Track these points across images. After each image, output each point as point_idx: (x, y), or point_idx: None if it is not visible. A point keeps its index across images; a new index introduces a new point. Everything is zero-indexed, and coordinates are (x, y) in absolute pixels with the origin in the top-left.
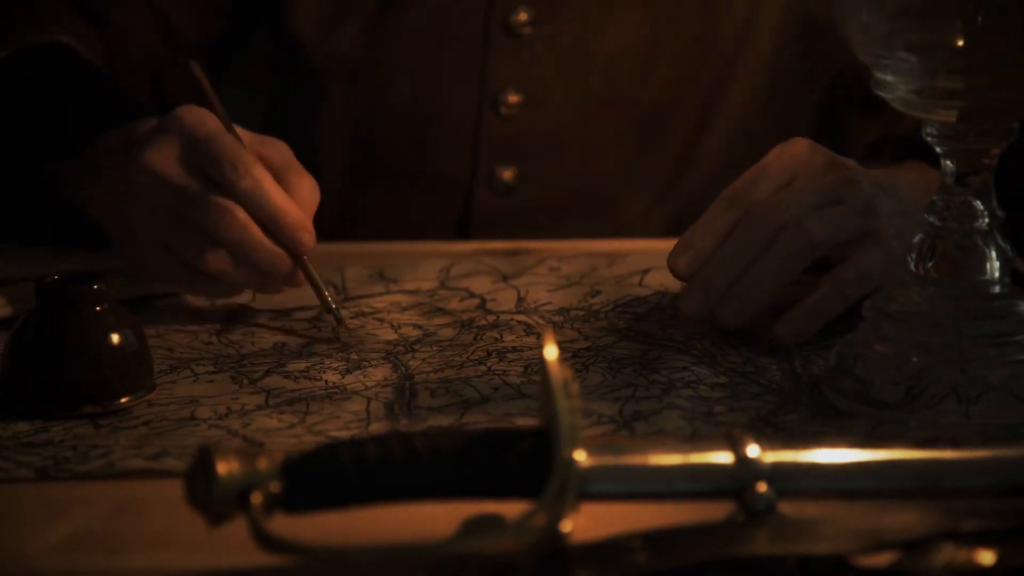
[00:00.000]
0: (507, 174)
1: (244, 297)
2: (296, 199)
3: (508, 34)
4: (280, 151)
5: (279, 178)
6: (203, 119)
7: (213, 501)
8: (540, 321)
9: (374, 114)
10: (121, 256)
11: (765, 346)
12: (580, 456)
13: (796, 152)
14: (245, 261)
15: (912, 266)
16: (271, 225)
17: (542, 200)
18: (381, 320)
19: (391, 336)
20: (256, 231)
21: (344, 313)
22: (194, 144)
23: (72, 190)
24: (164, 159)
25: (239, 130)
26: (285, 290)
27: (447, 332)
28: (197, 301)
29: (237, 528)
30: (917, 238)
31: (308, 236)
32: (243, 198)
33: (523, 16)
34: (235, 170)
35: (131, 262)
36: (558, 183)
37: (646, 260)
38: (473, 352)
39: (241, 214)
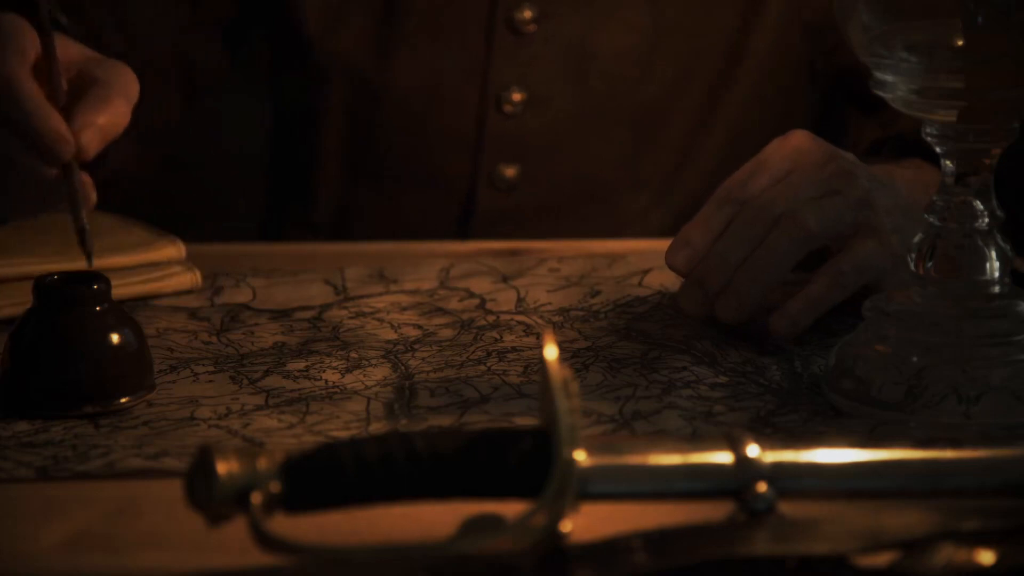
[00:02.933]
0: (509, 172)
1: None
2: (87, 113)
3: (512, 32)
4: (108, 70)
5: (93, 78)
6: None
7: (213, 501)
8: (540, 321)
9: (377, 112)
10: None
11: (765, 346)
12: (580, 456)
13: (795, 145)
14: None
15: (912, 266)
16: (27, 134)
17: (544, 198)
18: (381, 320)
19: (391, 336)
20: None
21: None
22: None
23: None
24: None
25: (68, 44)
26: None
27: (447, 332)
28: (197, 301)
29: (237, 528)
30: (917, 238)
31: (63, 146)
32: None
33: (528, 14)
34: None
35: None
36: (560, 181)
37: (646, 260)
38: (473, 352)
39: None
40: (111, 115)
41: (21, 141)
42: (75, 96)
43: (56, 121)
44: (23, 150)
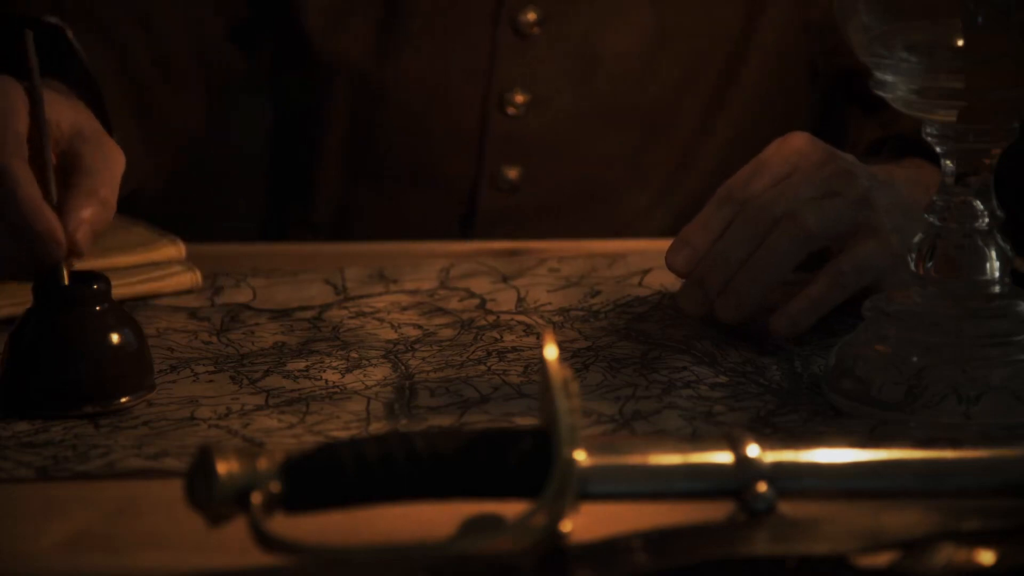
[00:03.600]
0: (512, 173)
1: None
2: (79, 211)
3: (516, 34)
4: (95, 151)
5: (80, 161)
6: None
7: (213, 501)
8: (540, 321)
9: (379, 112)
10: None
11: (765, 346)
12: (580, 456)
13: (794, 146)
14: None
15: (912, 266)
16: (21, 233)
17: (546, 198)
18: (381, 320)
19: (391, 336)
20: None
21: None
22: None
23: None
24: None
25: (60, 107)
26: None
27: (447, 332)
28: (197, 301)
29: (237, 528)
30: (917, 238)
31: (56, 248)
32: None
33: (532, 16)
34: None
35: None
36: (562, 181)
37: (646, 260)
38: (473, 352)
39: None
40: (100, 209)
41: (11, 234)
42: (63, 178)
43: (51, 223)
44: (9, 235)
